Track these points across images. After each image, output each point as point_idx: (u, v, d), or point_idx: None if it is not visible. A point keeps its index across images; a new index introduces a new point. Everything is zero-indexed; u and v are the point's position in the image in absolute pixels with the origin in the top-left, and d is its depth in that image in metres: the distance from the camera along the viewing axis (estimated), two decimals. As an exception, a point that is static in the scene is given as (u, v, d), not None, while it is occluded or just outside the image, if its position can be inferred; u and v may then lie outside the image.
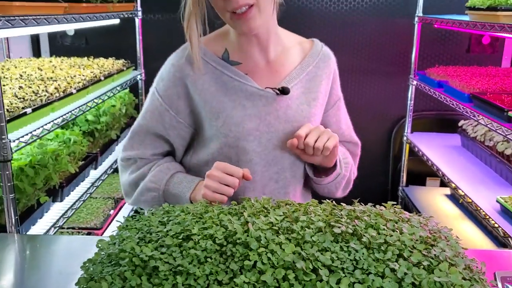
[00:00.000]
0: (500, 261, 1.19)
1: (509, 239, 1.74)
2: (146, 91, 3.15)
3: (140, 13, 2.92)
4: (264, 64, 1.28)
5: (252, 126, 1.23)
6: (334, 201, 1.01)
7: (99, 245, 0.91)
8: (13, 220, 1.31)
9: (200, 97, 1.24)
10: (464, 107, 2.20)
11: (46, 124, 1.53)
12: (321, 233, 0.86)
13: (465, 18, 2.38)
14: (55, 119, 1.60)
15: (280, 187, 1.30)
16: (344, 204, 0.98)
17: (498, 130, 1.87)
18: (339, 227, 0.87)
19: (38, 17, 1.48)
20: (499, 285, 0.98)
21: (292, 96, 1.26)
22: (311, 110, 1.29)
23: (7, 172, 1.28)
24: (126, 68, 2.73)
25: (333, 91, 1.36)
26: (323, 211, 0.96)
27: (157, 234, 0.89)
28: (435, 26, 2.70)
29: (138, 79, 2.93)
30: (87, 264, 0.87)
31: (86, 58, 2.78)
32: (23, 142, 1.37)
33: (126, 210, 2.74)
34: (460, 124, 2.82)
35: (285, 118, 1.25)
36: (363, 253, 0.81)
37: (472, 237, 2.43)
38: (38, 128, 1.48)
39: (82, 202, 1.82)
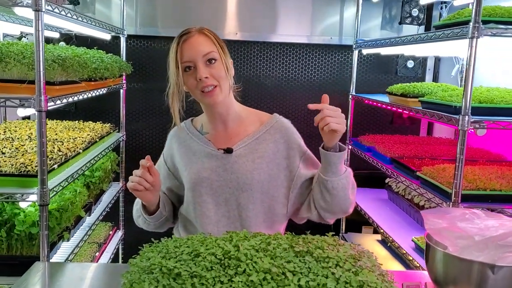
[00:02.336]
0: (409, 277, 1.58)
1: (421, 268, 2.15)
2: (126, 151, 3.49)
3: (125, 85, 3.29)
4: (223, 132, 1.65)
5: (206, 175, 1.59)
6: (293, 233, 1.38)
7: (132, 263, 1.24)
8: (46, 251, 1.59)
9: (179, 155, 1.66)
10: (387, 168, 2.64)
11: (68, 177, 1.84)
12: (286, 251, 1.23)
13: (387, 98, 2.89)
14: (73, 173, 1.91)
15: (231, 222, 1.60)
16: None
17: (410, 186, 2.32)
18: (298, 247, 1.24)
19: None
20: (404, 290, 1.36)
21: (239, 155, 1.60)
22: (255, 165, 1.58)
23: (45, 214, 1.57)
24: (112, 131, 3.06)
25: (291, 151, 1.62)
26: (286, 238, 1.33)
27: (175, 253, 1.23)
28: (365, 102, 3.21)
29: (120, 140, 3.26)
30: (127, 275, 1.19)
31: (77, 121, 3.08)
32: (55, 191, 1.67)
33: (108, 253, 2.99)
34: (386, 181, 3.19)
35: (231, 170, 1.58)
36: (314, 263, 1.18)
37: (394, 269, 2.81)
38: (63, 181, 1.79)
39: (83, 242, 2.10)
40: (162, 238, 1.36)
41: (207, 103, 1.58)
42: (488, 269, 1.13)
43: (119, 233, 3.40)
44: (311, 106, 1.47)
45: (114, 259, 3.17)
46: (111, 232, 3.22)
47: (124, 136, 3.36)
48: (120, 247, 3.43)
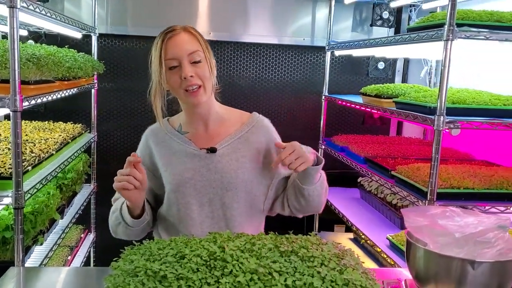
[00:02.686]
0: (388, 275, 1.61)
1: (396, 265, 2.19)
2: (98, 151, 3.42)
3: (96, 85, 3.22)
4: (204, 133, 1.63)
5: (189, 176, 1.57)
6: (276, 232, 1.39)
7: (115, 266, 1.22)
8: (20, 256, 1.53)
9: (157, 155, 1.61)
10: (361, 167, 2.68)
11: (42, 179, 1.78)
12: (271, 251, 1.23)
13: (359, 98, 2.94)
14: (47, 175, 1.86)
15: (215, 222, 1.59)
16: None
17: (385, 185, 2.37)
18: (283, 247, 1.24)
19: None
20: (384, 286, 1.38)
21: (222, 154, 1.59)
22: (239, 164, 1.58)
23: (20, 217, 1.52)
24: (84, 132, 2.99)
25: (271, 150, 1.64)
26: (270, 238, 1.33)
27: (159, 255, 1.21)
28: (338, 103, 3.25)
29: (92, 141, 3.19)
30: (110, 278, 1.17)
31: (47, 122, 3.00)
32: (29, 193, 1.62)
33: (80, 257, 2.92)
34: (358, 180, 3.25)
35: (215, 170, 1.56)
36: (299, 263, 1.18)
37: (369, 267, 2.85)
38: (38, 183, 1.73)
39: (57, 245, 2.04)
40: (144, 240, 1.34)
41: (190, 103, 1.55)
42: (468, 265, 1.16)
43: (91, 236, 3.33)
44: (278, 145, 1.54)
45: (86, 262, 3.10)
46: (82, 235, 3.14)
47: (96, 137, 3.29)
48: (92, 250, 3.36)
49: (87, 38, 3.33)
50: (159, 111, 1.59)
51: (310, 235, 1.37)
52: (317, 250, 1.26)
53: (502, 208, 1.88)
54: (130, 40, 3.49)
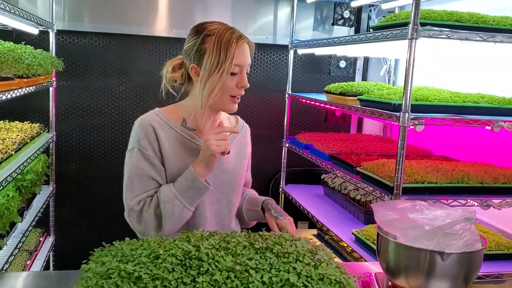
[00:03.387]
0: (356, 269, 1.64)
1: (363, 260, 2.23)
2: (57, 152, 3.31)
3: (54, 83, 3.12)
4: None
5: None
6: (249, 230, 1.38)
7: (85, 268, 1.18)
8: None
9: (165, 147, 1.54)
10: (326, 164, 2.72)
11: (2, 181, 1.70)
12: (246, 248, 1.23)
13: (323, 96, 2.98)
14: (7, 176, 1.77)
15: (219, 220, 1.66)
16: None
17: (350, 181, 2.41)
18: (257, 244, 1.24)
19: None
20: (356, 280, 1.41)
21: (231, 156, 1.63)
22: (242, 165, 1.70)
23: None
24: (42, 131, 2.89)
25: (248, 153, 1.76)
26: (244, 236, 1.33)
27: (132, 256, 1.18)
28: (302, 101, 3.28)
29: (50, 141, 3.08)
30: (82, 281, 1.13)
31: (2, 121, 2.87)
32: (-11, 196, 1.54)
33: (40, 261, 2.82)
34: (322, 177, 3.29)
35: (227, 171, 1.63)
36: (274, 259, 1.19)
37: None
38: (-4, 185, 1.65)
39: (17, 250, 1.96)
40: (115, 242, 1.30)
41: (227, 109, 1.57)
42: (438, 256, 1.20)
43: (50, 240, 3.22)
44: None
45: (46, 266, 2.99)
46: (41, 239, 3.04)
47: (55, 137, 3.18)
48: (51, 254, 3.25)
49: (43, 34, 3.20)
50: (202, 109, 1.53)
51: (282, 232, 1.38)
52: (291, 246, 1.27)
53: (463, 202, 1.95)
54: (89, 36, 3.39)
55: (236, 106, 1.57)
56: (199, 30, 1.53)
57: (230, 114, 1.69)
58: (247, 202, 1.79)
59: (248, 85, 1.52)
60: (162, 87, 1.60)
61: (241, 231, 1.40)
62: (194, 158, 1.55)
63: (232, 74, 1.50)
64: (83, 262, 1.21)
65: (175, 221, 1.50)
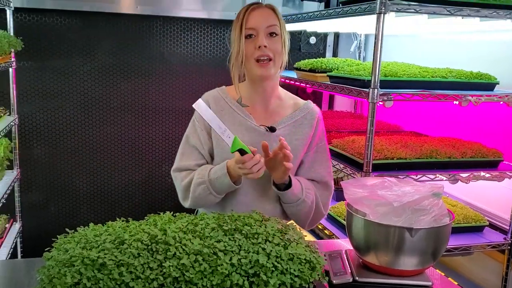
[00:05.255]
0: (328, 246, 1.65)
1: (335, 237, 2.26)
2: (20, 135, 3.20)
3: (14, 63, 2.99)
4: (263, 110, 1.67)
5: None
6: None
7: (48, 256, 1.14)
8: None
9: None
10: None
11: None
12: (215, 230, 1.21)
13: (293, 73, 2.95)
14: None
15: (265, 200, 1.65)
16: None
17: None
18: (226, 226, 1.22)
19: None
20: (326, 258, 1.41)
21: (279, 134, 1.60)
22: (292, 147, 1.55)
23: None
24: (2, 114, 2.78)
25: (314, 138, 1.69)
26: (212, 218, 1.31)
27: (96, 243, 1.15)
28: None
29: (12, 124, 2.97)
30: (44, 270, 1.09)
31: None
32: None
33: (6, 248, 2.75)
34: None
35: (271, 149, 1.53)
36: (243, 241, 1.17)
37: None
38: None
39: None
40: (79, 228, 1.27)
41: (258, 74, 1.59)
42: (407, 232, 1.21)
43: (17, 226, 3.14)
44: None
45: (13, 254, 2.92)
46: (7, 225, 2.95)
47: (17, 120, 3.07)
48: (19, 241, 3.17)
49: (0, 12, 3.06)
50: (236, 79, 1.67)
51: (251, 212, 1.36)
52: (260, 226, 1.25)
53: (432, 177, 1.98)
54: (50, 14, 3.25)
55: (266, 70, 1.57)
56: None
57: (284, 91, 1.76)
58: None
59: (264, 43, 1.55)
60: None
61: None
62: (245, 133, 1.61)
63: (249, 37, 1.58)
64: (45, 250, 1.18)
65: (200, 201, 1.63)
